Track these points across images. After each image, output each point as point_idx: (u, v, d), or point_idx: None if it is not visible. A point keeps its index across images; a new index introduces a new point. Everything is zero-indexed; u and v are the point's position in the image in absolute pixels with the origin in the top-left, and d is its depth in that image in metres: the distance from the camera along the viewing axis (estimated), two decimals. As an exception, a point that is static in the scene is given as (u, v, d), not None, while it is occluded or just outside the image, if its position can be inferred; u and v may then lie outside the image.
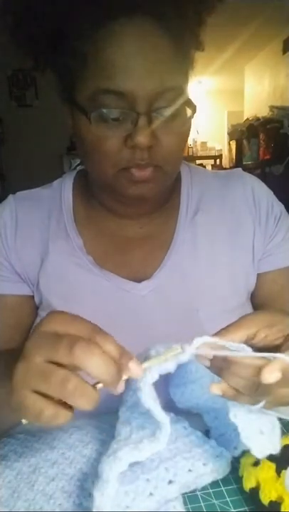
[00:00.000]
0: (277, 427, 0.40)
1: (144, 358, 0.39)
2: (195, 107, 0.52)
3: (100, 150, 0.51)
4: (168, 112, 0.49)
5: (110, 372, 0.32)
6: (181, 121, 0.51)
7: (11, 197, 0.66)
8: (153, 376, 0.35)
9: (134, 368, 0.34)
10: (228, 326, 0.39)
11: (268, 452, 0.38)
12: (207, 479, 0.42)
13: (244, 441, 0.38)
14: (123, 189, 0.54)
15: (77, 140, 0.55)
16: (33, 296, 0.63)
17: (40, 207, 0.65)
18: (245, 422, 0.38)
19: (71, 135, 0.58)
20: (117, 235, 0.64)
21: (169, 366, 0.36)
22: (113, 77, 0.47)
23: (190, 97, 0.51)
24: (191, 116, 0.53)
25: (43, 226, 0.63)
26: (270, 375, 0.33)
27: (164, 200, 0.64)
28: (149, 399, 0.35)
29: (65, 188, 0.66)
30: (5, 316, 0.62)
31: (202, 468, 0.41)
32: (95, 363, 0.31)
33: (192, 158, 5.39)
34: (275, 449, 0.38)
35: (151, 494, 0.38)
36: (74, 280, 0.60)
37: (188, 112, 0.52)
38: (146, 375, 0.35)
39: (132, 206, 0.60)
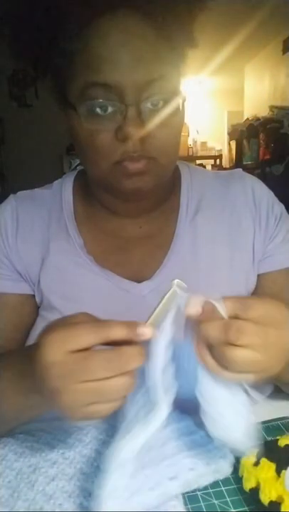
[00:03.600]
0: (245, 414, 0.38)
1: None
2: (185, 96, 0.52)
3: (93, 144, 0.51)
4: (157, 101, 0.49)
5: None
6: (171, 112, 0.51)
7: (11, 196, 0.66)
8: (165, 333, 0.36)
9: (144, 331, 0.36)
10: None
11: (220, 434, 0.38)
12: (208, 479, 0.42)
13: (203, 418, 0.38)
14: (118, 183, 0.54)
15: (72, 139, 0.55)
16: (33, 296, 0.63)
17: (41, 207, 0.65)
18: (208, 400, 0.38)
19: (71, 135, 0.58)
20: (118, 234, 0.64)
21: (173, 313, 0.37)
22: (99, 70, 0.47)
23: (179, 87, 0.51)
24: (182, 106, 0.52)
25: (44, 226, 0.63)
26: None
27: (162, 198, 0.64)
28: (158, 366, 0.35)
29: (65, 188, 0.66)
30: (5, 315, 0.62)
31: (204, 468, 0.41)
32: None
33: (192, 158, 5.38)
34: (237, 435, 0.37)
35: (151, 489, 0.38)
36: (74, 279, 0.60)
37: (179, 101, 0.52)
38: (158, 334, 0.36)
39: (130, 202, 0.60)
